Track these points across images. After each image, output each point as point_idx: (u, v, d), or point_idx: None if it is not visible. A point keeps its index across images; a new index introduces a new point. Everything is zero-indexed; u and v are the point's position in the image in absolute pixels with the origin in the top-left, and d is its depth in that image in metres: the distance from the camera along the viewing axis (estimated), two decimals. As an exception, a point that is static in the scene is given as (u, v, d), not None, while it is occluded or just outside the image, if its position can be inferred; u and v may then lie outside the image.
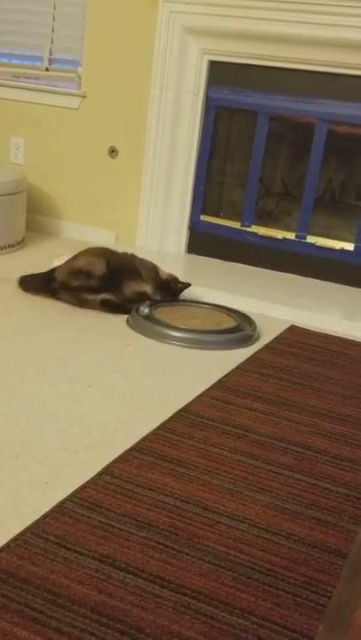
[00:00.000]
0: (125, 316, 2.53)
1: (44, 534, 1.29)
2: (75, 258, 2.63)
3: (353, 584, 0.96)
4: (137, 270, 2.67)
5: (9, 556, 1.22)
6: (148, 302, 2.56)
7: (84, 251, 2.69)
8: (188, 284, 2.74)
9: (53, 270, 2.62)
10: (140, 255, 2.79)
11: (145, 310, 2.47)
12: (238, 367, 2.21)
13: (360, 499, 1.54)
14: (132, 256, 2.73)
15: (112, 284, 2.60)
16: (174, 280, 2.73)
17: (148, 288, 2.63)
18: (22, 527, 1.31)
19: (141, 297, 2.60)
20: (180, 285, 2.72)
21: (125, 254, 2.73)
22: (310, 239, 3.25)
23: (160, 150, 3.34)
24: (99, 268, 2.53)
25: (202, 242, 3.45)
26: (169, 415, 1.83)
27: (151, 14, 3.21)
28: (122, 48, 3.37)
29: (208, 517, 1.40)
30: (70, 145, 3.62)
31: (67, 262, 2.63)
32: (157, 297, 2.65)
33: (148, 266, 2.71)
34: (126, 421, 1.78)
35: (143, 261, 2.72)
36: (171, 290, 2.71)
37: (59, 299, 2.58)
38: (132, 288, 2.62)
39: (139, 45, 3.32)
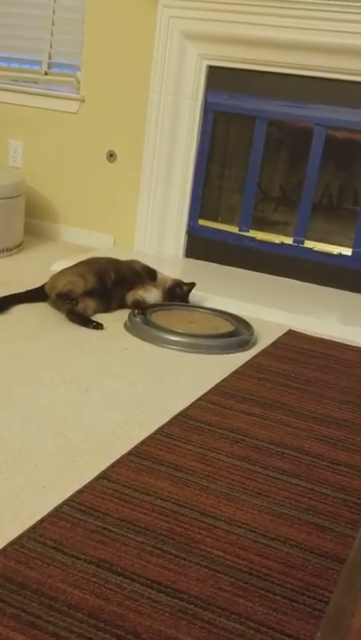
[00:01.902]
0: (123, 320, 2.53)
1: (41, 539, 1.29)
2: (62, 274, 2.62)
3: (351, 589, 0.96)
4: (139, 278, 2.68)
5: (6, 561, 1.22)
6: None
7: (78, 263, 2.70)
8: (193, 284, 2.76)
9: (38, 290, 2.62)
10: (140, 260, 2.81)
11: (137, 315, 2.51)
12: (236, 372, 2.21)
13: (357, 504, 1.54)
14: (135, 264, 2.74)
15: (112, 295, 2.62)
16: (179, 284, 2.74)
17: (149, 295, 2.64)
18: (19, 531, 1.31)
19: (140, 304, 2.60)
20: (185, 288, 2.74)
21: (129, 262, 2.74)
22: (308, 244, 3.26)
23: (158, 154, 3.35)
24: (80, 286, 2.52)
25: (200, 246, 3.45)
26: (167, 419, 1.83)
27: (150, 19, 3.22)
28: (121, 52, 3.38)
29: (205, 522, 1.40)
30: (69, 149, 3.62)
31: (54, 279, 2.61)
32: (160, 301, 2.68)
33: (149, 273, 2.74)
34: (124, 425, 1.78)
35: (144, 268, 2.74)
36: (177, 295, 2.72)
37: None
38: (132, 296, 2.64)
39: (138, 50, 3.33)
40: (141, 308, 2.57)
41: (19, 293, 2.61)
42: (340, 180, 3.57)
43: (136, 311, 2.54)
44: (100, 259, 2.76)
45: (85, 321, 2.46)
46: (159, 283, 2.73)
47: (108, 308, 2.62)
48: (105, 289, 2.61)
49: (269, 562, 1.31)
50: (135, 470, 1.56)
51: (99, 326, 2.44)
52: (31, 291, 2.62)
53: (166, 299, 2.71)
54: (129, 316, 2.53)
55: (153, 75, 3.27)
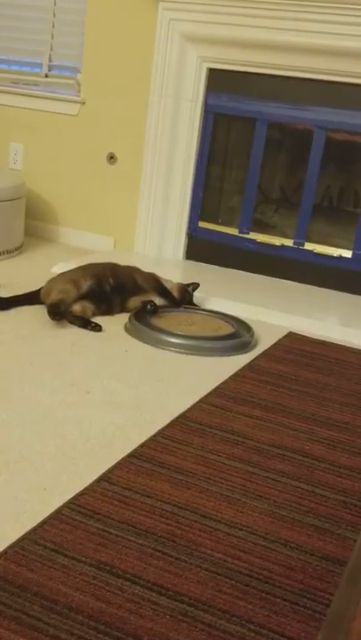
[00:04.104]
0: (124, 323, 2.54)
1: (41, 541, 1.29)
2: (55, 282, 2.62)
3: (351, 592, 0.96)
4: (138, 284, 2.68)
5: (6, 563, 1.22)
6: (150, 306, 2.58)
7: (76, 268, 2.69)
8: (197, 284, 2.77)
9: (36, 293, 2.62)
10: (140, 263, 2.81)
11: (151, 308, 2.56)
12: (236, 374, 2.21)
13: (358, 506, 1.54)
14: (134, 270, 2.74)
15: (112, 298, 2.62)
16: (186, 289, 2.75)
17: (153, 298, 2.64)
18: (20, 534, 1.31)
19: (142, 307, 2.60)
20: (190, 287, 2.76)
21: (129, 268, 2.73)
22: (308, 246, 3.26)
23: (159, 157, 3.35)
24: (71, 294, 2.52)
25: (200, 248, 3.45)
26: (167, 422, 1.83)
27: (151, 21, 3.22)
28: (121, 55, 3.38)
29: (206, 524, 1.40)
30: (69, 151, 3.63)
31: (49, 284, 2.61)
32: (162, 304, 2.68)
33: (148, 278, 2.73)
34: (124, 427, 1.78)
35: (144, 274, 2.73)
36: (186, 300, 2.73)
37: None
38: (136, 301, 2.63)
39: (138, 52, 3.33)
40: (153, 304, 2.57)
41: (17, 296, 2.61)
42: (341, 182, 3.57)
43: (149, 306, 2.55)
44: (98, 263, 2.75)
45: (84, 322, 2.47)
46: (154, 288, 2.72)
47: (109, 311, 2.62)
48: (104, 292, 2.60)
49: (270, 564, 1.31)
50: (136, 472, 1.56)
51: (97, 327, 2.45)
52: (29, 293, 2.62)
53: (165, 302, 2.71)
54: (129, 319, 2.53)
55: (153, 77, 3.27)
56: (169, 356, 2.31)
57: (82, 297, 2.54)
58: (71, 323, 2.47)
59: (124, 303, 2.65)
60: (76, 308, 2.51)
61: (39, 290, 2.61)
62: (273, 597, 1.22)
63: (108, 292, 2.61)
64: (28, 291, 2.64)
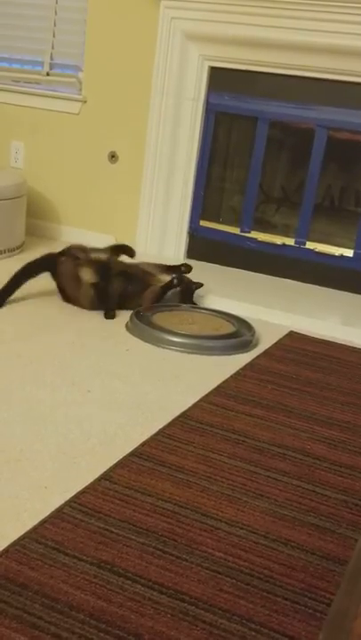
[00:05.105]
0: (125, 321, 2.54)
1: (42, 539, 1.29)
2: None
3: (353, 592, 0.96)
4: (146, 270, 2.72)
5: (7, 562, 1.22)
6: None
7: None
8: (201, 284, 2.79)
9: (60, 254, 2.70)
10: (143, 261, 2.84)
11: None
12: (237, 373, 2.21)
13: (358, 505, 1.54)
14: (141, 264, 2.79)
15: (117, 296, 2.65)
16: (188, 281, 2.78)
17: (169, 278, 2.72)
18: (21, 532, 1.31)
19: (167, 287, 2.69)
20: (194, 286, 2.78)
21: (135, 265, 2.76)
22: (310, 245, 3.26)
23: (160, 155, 3.35)
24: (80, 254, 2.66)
25: (201, 247, 3.45)
26: (168, 421, 1.83)
27: (152, 20, 3.22)
28: (123, 53, 3.38)
29: (207, 523, 1.40)
30: (70, 150, 3.63)
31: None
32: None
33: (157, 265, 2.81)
34: (125, 426, 1.78)
35: (150, 264, 2.79)
36: (187, 292, 2.76)
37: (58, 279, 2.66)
38: (151, 292, 2.68)
39: (140, 51, 3.33)
40: (178, 278, 2.67)
41: (4, 287, 2.60)
42: (342, 182, 3.57)
43: (175, 280, 2.66)
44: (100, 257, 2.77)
45: (111, 299, 2.60)
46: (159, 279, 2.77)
47: (104, 303, 2.63)
48: (104, 288, 2.61)
49: (271, 563, 1.31)
50: (136, 471, 1.56)
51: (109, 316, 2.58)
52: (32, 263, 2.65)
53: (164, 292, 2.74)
54: (131, 317, 2.53)
55: (155, 75, 3.27)
56: (170, 355, 2.31)
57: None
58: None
59: (128, 298, 2.65)
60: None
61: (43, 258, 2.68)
62: (274, 596, 1.22)
63: (110, 288, 2.63)
64: (24, 289, 2.63)
